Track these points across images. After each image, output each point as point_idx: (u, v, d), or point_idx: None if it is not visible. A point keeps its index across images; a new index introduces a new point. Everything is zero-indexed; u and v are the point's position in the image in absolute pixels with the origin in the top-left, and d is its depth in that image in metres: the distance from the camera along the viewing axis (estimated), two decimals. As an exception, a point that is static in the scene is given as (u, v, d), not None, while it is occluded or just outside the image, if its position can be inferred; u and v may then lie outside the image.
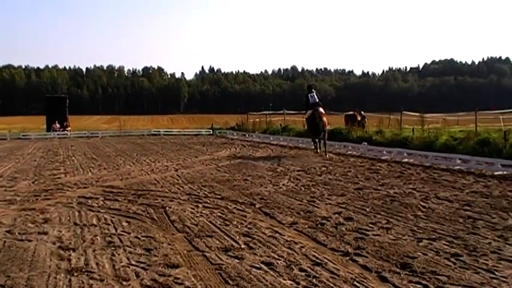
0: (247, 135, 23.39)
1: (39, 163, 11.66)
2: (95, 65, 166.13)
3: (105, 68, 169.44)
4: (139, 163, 11.46)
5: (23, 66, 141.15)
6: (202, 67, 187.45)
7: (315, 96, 14.11)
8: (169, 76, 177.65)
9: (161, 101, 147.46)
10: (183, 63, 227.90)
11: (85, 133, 27.23)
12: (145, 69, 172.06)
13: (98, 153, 14.82)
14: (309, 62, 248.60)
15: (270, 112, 33.19)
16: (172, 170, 9.92)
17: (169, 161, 11.98)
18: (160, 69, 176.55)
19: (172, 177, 8.86)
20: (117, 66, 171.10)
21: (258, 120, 28.58)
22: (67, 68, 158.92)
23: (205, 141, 21.37)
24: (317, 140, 13.50)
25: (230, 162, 11.43)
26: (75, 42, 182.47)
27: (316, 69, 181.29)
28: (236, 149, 16.16)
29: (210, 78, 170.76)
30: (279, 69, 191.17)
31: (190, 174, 9.29)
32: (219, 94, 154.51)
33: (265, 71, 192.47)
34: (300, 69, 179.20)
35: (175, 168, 10.33)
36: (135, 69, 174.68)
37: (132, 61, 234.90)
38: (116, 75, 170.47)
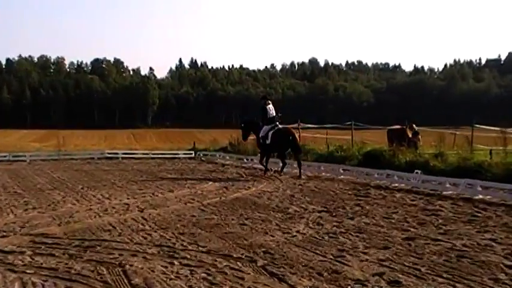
0: (245, 160, 23.49)
1: None
2: (20, 55, 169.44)
3: (35, 59, 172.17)
4: (87, 200, 11.52)
5: None
6: (180, 60, 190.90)
7: (273, 109, 17.54)
8: (131, 73, 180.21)
9: (120, 109, 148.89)
10: (152, 54, 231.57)
11: (5, 155, 27.28)
12: (96, 62, 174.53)
13: (25, 185, 14.89)
14: (336, 54, 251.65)
15: (280, 126, 33.38)
16: (135, 210, 9.97)
17: (131, 196, 12.04)
18: (118, 63, 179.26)
19: (135, 220, 8.90)
20: (53, 57, 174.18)
21: (261, 137, 28.71)
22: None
23: (184, 168, 21.45)
24: (283, 162, 17.40)
25: (220, 199, 11.47)
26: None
27: (347, 63, 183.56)
28: (229, 179, 16.25)
29: (192, 76, 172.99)
30: (292, 64, 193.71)
31: (162, 216, 9.33)
32: (204, 99, 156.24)
33: (272, 66, 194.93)
34: (322, 64, 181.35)
35: (140, 207, 10.38)
36: (81, 62, 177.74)
37: (75, 51, 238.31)
38: (51, 70, 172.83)
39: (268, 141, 17.24)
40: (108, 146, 45.05)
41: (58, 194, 12.57)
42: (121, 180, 16.07)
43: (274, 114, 17.63)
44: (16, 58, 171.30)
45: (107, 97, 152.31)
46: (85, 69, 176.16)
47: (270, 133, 17.22)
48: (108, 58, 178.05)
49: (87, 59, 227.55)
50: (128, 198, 11.70)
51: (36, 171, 19.92)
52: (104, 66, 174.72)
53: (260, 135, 17.61)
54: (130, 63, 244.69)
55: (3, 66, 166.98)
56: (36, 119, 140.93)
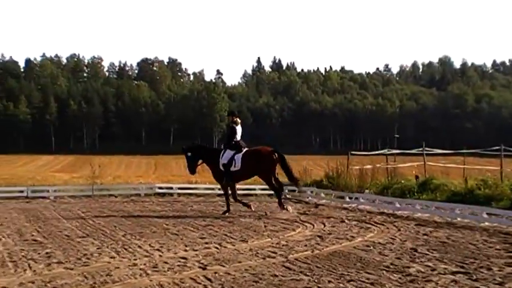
0: (347, 198, 23.29)
1: None
2: (44, 55, 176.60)
3: (64, 60, 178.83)
4: (130, 252, 11.74)
5: None
6: (259, 60, 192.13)
7: (241, 130, 19.38)
8: (191, 78, 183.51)
9: (175, 128, 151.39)
10: (220, 52, 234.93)
11: (21, 190, 28.19)
12: (144, 63, 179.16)
13: (48, 230, 15.31)
14: (477, 51, 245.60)
15: (395, 152, 33.00)
16: (195, 267, 10.07)
17: (190, 248, 12.18)
18: (174, 65, 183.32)
19: (195, 281, 8.98)
20: (87, 57, 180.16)
21: (369, 167, 28.45)
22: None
23: (262, 208, 21.50)
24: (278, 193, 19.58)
25: (313, 253, 11.43)
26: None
27: (494, 63, 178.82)
28: (325, 225, 16.17)
29: (274, 82, 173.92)
30: (415, 65, 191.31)
31: (232, 275, 9.38)
32: (290, 114, 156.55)
33: (386, 67, 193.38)
34: (457, 65, 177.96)
35: (202, 263, 10.48)
36: (124, 64, 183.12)
37: (116, 49, 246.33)
38: (85, 74, 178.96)
39: (235, 168, 18.95)
40: (158, 178, 45.82)
41: (91, 244, 12.82)
42: (176, 224, 16.31)
43: (240, 137, 19.52)
44: (39, 59, 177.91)
45: (159, 111, 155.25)
46: (129, 72, 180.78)
47: (238, 156, 19.03)
48: (160, 58, 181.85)
49: (132, 60, 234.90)
50: (186, 250, 11.84)
51: (63, 212, 20.53)
52: (154, 68, 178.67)
53: (221, 162, 19.12)
54: (190, 65, 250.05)
55: (22, 70, 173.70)
56: (64, 140, 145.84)
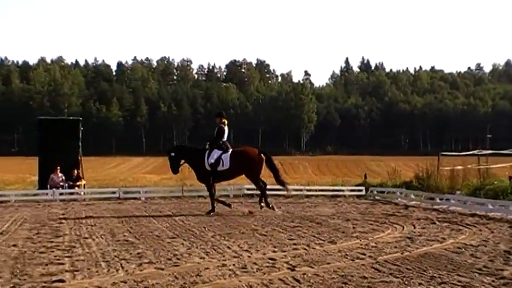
0: (437, 199, 22.93)
1: (22, 251, 12.45)
2: (135, 58, 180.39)
3: (154, 63, 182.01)
4: (219, 252, 11.83)
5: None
6: (347, 61, 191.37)
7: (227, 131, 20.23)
8: (279, 79, 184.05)
9: (262, 129, 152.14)
10: (308, 54, 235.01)
11: (114, 191, 28.78)
12: (233, 65, 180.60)
13: (139, 231, 15.59)
14: None
15: (487, 152, 32.30)
16: (284, 268, 10.07)
17: (278, 249, 12.19)
18: (262, 66, 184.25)
19: (284, 282, 8.98)
20: (177, 60, 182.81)
21: (460, 167, 27.93)
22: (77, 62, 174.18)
23: (350, 209, 21.46)
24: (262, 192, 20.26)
25: (402, 255, 11.29)
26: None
27: None
28: (415, 226, 15.98)
29: (362, 82, 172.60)
30: (509, 63, 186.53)
31: (321, 277, 9.34)
32: (379, 114, 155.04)
33: (478, 66, 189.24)
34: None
35: (291, 264, 10.48)
36: (213, 66, 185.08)
37: (204, 50, 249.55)
38: (175, 77, 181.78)
39: (223, 167, 19.64)
40: (246, 179, 46.13)
41: (181, 245, 12.96)
42: (264, 226, 16.37)
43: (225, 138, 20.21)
44: (130, 62, 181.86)
45: (247, 112, 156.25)
46: (218, 74, 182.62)
47: (226, 155, 19.70)
48: (248, 60, 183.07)
49: (221, 62, 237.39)
50: (274, 251, 11.85)
51: (154, 212, 20.90)
52: (242, 70, 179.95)
53: (209, 162, 19.66)
54: (278, 67, 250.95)
55: (114, 73, 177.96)
56: (154, 142, 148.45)
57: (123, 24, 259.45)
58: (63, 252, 12.11)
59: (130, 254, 11.77)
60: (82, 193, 28.19)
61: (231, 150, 20.02)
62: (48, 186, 28.14)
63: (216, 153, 19.72)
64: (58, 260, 11.17)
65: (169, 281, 9.12)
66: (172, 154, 20.33)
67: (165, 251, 12.05)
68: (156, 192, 28.64)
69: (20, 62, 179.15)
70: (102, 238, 14.17)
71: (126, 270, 10.03)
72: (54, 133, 30.01)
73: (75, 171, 29.13)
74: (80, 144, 30.64)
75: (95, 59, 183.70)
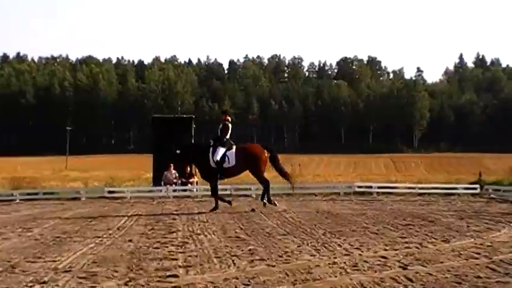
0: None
1: (137, 246, 12.75)
2: (246, 56, 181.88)
3: (265, 61, 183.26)
4: (330, 250, 11.74)
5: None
6: (461, 57, 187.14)
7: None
8: (391, 76, 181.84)
9: (374, 126, 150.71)
10: (420, 49, 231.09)
11: (225, 188, 29.19)
12: (344, 62, 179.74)
13: (250, 228, 15.64)
14: None
15: None
16: (396, 267, 9.92)
17: (389, 247, 12.02)
18: (373, 63, 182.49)
19: (396, 280, 8.82)
20: (288, 57, 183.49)
21: None
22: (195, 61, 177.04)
23: (465, 208, 20.92)
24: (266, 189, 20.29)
25: (521, 255, 10.91)
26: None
27: None
28: (533, 226, 15.42)
29: (478, 78, 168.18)
30: None
31: (434, 276, 9.13)
32: (495, 111, 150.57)
33: None
34: None
35: (403, 262, 10.31)
36: (323, 64, 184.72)
37: (314, 48, 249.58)
38: (286, 74, 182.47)
39: (229, 164, 19.60)
40: (358, 176, 45.89)
41: (292, 242, 12.92)
42: (376, 223, 16.16)
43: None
44: (242, 60, 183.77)
45: (358, 110, 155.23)
46: (329, 72, 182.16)
47: (231, 152, 19.75)
48: (359, 56, 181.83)
49: (332, 59, 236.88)
50: (386, 250, 11.68)
51: (265, 209, 20.75)
52: (354, 67, 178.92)
53: (214, 159, 19.60)
54: (389, 63, 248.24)
55: (225, 71, 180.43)
56: (265, 140, 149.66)
57: (235, 23, 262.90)
58: (177, 247, 12.29)
59: (242, 250, 11.81)
60: (195, 190, 28.71)
61: (234, 147, 20.09)
62: (162, 183, 28.82)
63: (220, 150, 19.76)
64: (172, 255, 11.34)
65: (280, 278, 9.08)
66: (179, 152, 20.26)
67: (276, 248, 12.04)
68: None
69: (136, 62, 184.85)
70: (214, 234, 14.31)
71: (238, 267, 10.06)
72: (168, 131, 30.75)
73: (188, 169, 29.61)
74: (193, 141, 31.21)
75: (208, 57, 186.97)
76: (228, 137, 20.17)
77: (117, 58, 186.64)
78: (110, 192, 28.33)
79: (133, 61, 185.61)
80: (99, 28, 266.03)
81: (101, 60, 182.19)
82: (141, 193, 28.23)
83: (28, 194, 27.83)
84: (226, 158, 19.64)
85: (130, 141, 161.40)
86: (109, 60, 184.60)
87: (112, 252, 11.86)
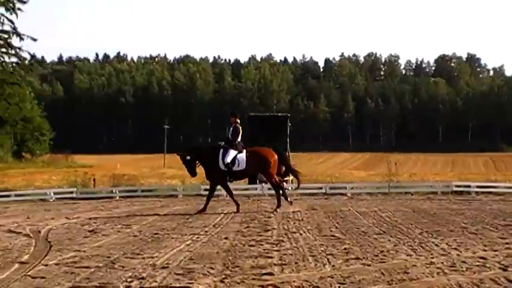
0: None
1: (233, 243, 12.89)
2: (342, 54, 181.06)
3: (361, 59, 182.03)
4: (427, 250, 11.57)
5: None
6: None
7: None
8: (490, 73, 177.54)
9: (473, 124, 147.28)
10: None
11: (320, 187, 29.12)
12: (441, 60, 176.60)
13: (346, 227, 15.60)
14: None
15: None
16: (495, 268, 9.71)
17: (489, 248, 11.73)
18: (472, 60, 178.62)
19: (495, 282, 8.63)
20: (384, 55, 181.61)
21: None
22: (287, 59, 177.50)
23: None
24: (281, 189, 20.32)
25: None
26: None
27: None
28: None
29: None
30: None
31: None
32: None
33: None
34: None
35: (503, 264, 10.08)
36: (421, 61, 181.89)
37: (413, 44, 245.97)
38: (382, 72, 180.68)
39: (239, 168, 19.44)
40: (456, 175, 45.01)
41: (388, 241, 12.82)
42: (474, 223, 15.80)
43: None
44: (337, 58, 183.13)
45: (456, 108, 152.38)
46: (427, 69, 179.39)
47: (241, 156, 19.49)
48: (458, 54, 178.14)
49: (429, 56, 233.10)
50: (485, 250, 11.41)
51: (360, 208, 20.84)
52: (452, 65, 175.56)
53: (225, 162, 19.34)
54: (489, 61, 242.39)
55: (321, 70, 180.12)
56: (360, 138, 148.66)
57: (330, 21, 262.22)
58: (272, 246, 12.37)
59: (337, 249, 11.79)
60: (289, 188, 28.77)
61: (244, 150, 19.81)
62: (258, 181, 28.96)
63: (231, 153, 19.50)
64: (267, 253, 11.43)
65: (376, 277, 9.04)
66: (188, 158, 19.92)
67: (372, 247, 11.97)
68: (362, 188, 28.73)
69: (232, 61, 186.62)
70: (309, 233, 14.32)
71: (333, 265, 10.06)
72: (263, 129, 30.92)
73: (283, 168, 29.69)
74: (288, 140, 31.34)
75: (303, 56, 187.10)
76: (239, 139, 19.99)
77: (214, 57, 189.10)
78: (206, 189, 28.64)
79: (229, 60, 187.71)
80: (197, 28, 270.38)
81: (198, 60, 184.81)
82: (237, 191, 28.44)
83: (127, 191, 28.52)
84: (237, 161, 19.53)
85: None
86: (206, 59, 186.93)
87: (208, 249, 12.06)
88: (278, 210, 19.51)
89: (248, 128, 33.47)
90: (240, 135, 20.03)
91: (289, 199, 20.31)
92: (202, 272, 9.60)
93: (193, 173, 20.30)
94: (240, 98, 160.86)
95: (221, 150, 19.65)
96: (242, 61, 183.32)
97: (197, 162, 19.95)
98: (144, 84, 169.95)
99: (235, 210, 19.55)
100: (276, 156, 20.12)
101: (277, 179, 20.17)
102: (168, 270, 9.80)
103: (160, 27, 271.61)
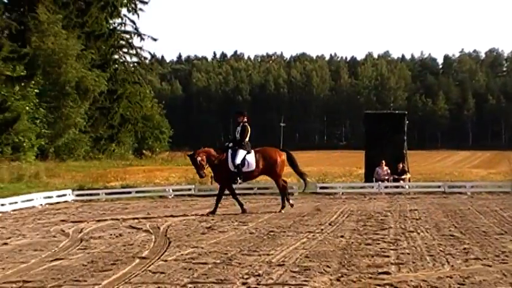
0: None
1: (349, 242, 12.88)
2: (462, 51, 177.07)
3: (482, 55, 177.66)
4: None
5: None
6: None
7: None
8: None
9: None
10: None
11: (438, 185, 28.60)
12: None
13: (465, 226, 15.30)
14: None
15: None
16: None
17: None
18: None
19: None
20: (506, 51, 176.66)
21: None
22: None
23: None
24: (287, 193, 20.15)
25: None
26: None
27: None
28: None
29: None
30: None
31: None
32: None
33: None
34: None
35: None
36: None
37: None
38: (504, 69, 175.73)
39: (248, 168, 18.93)
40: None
41: (510, 241, 12.55)
42: None
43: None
44: (457, 54, 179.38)
45: None
46: None
47: (250, 156, 19.00)
48: None
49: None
50: None
51: (480, 207, 20.34)
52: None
53: (235, 163, 18.76)
54: None
55: (440, 66, 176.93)
56: (481, 136, 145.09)
57: (448, 17, 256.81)
58: (389, 244, 12.30)
59: (456, 249, 11.61)
60: (407, 187, 28.42)
61: (252, 151, 19.25)
62: (374, 179, 28.77)
63: (240, 153, 18.88)
64: (384, 252, 11.38)
65: (497, 279, 8.85)
66: (199, 159, 18.98)
67: (493, 247, 11.71)
68: (483, 187, 27.95)
69: (348, 58, 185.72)
70: (427, 232, 14.16)
71: (452, 266, 9.93)
72: (380, 127, 30.59)
73: (401, 165, 29.41)
74: (405, 138, 30.96)
75: (421, 52, 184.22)
76: (247, 139, 19.42)
77: (330, 55, 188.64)
78: (322, 188, 28.68)
79: (346, 57, 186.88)
80: (313, 26, 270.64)
81: (314, 57, 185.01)
82: (353, 189, 28.36)
83: (244, 188, 28.75)
84: (246, 162, 19.02)
85: (342, 137, 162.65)
86: (322, 57, 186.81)
87: (324, 247, 12.11)
88: (282, 211, 19.29)
89: (365, 125, 33.29)
90: (248, 134, 19.50)
91: (291, 201, 19.99)
92: (318, 270, 9.65)
93: (201, 175, 19.62)
94: (356, 95, 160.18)
95: (229, 152, 19.13)
96: (359, 58, 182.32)
97: (206, 163, 19.22)
98: (260, 82, 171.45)
99: (242, 211, 19.22)
100: (284, 156, 19.86)
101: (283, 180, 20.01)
102: (284, 267, 9.90)
103: (277, 26, 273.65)
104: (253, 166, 19.13)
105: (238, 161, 18.90)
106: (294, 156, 20.62)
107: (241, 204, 19.49)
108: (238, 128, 19.57)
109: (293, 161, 20.39)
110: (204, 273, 9.51)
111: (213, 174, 19.78)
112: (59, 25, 52.18)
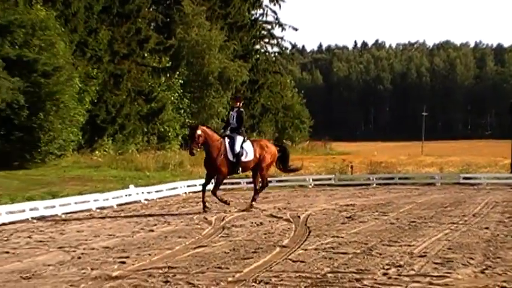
0: None
1: (494, 234, 12.59)
2: None
3: None
4: None
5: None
6: None
7: None
8: None
9: None
10: None
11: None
12: None
13: None
14: None
15: None
16: None
17: None
18: None
19: None
20: None
21: None
22: None
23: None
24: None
25: None
26: None
27: None
28: None
29: None
30: None
31: None
32: None
33: None
34: None
35: None
36: None
37: None
38: None
39: (246, 158, 17.66)
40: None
41: None
42: None
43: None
44: None
45: None
46: None
47: (247, 145, 17.76)
48: None
49: None
50: None
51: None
52: None
53: (235, 151, 17.49)
54: None
55: None
56: None
57: None
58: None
59: None
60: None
61: (248, 140, 18.11)
62: None
63: (238, 139, 17.54)
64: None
65: None
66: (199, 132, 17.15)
67: None
68: None
69: (494, 45, 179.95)
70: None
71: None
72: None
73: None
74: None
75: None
76: (243, 127, 18.03)
77: (475, 42, 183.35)
78: (465, 178, 28.08)
79: (492, 45, 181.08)
80: (457, 13, 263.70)
81: (458, 45, 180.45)
82: (498, 180, 27.59)
83: (384, 178, 28.56)
84: (244, 151, 17.63)
85: (487, 126, 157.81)
86: (467, 44, 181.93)
87: (467, 239, 11.89)
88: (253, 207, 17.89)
89: (511, 114, 32.34)
90: (244, 121, 18.11)
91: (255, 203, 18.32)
92: (462, 262, 9.50)
93: (192, 152, 17.83)
94: (502, 83, 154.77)
95: (226, 140, 17.69)
96: (505, 45, 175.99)
97: (202, 147, 17.65)
98: (402, 71, 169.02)
99: (202, 209, 17.61)
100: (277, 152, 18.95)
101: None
102: (426, 258, 9.81)
103: (419, 14, 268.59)
104: (251, 156, 17.88)
105: (237, 148, 17.60)
106: (289, 151, 20.27)
107: (204, 202, 17.82)
108: (233, 114, 18.17)
109: (287, 156, 19.68)
110: (344, 262, 9.55)
111: (205, 160, 18.06)
112: (203, 16, 53.18)
